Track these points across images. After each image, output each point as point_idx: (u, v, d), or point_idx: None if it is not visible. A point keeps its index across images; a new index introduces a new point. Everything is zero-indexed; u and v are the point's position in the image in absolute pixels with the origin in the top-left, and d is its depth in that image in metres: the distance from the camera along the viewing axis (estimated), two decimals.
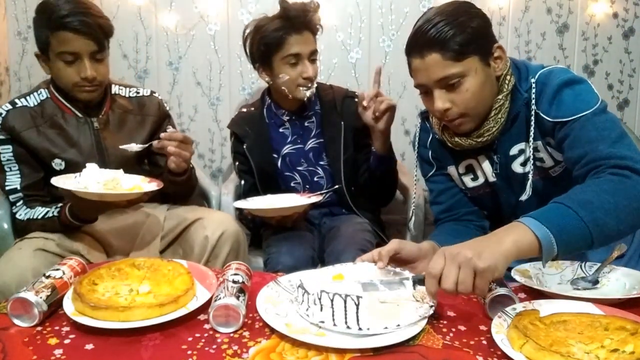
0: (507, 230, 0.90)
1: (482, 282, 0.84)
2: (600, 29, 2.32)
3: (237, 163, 1.79)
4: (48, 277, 0.96)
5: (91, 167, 1.27)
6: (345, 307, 0.83)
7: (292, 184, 1.76)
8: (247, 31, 1.68)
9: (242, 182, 1.78)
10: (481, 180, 1.29)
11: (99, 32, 1.40)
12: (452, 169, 1.32)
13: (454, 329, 0.89)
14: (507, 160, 1.22)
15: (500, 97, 1.15)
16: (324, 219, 1.79)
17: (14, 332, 0.87)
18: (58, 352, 0.81)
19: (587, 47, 2.33)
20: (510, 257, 0.87)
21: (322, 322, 0.85)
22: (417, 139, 1.38)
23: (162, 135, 1.39)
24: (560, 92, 1.10)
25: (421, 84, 1.14)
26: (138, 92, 1.61)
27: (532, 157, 1.17)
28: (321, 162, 1.75)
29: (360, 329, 0.83)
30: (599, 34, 2.33)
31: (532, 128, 1.14)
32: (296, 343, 0.83)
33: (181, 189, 1.57)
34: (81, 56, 1.39)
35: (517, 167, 1.22)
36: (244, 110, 1.82)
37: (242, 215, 1.78)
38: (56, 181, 1.27)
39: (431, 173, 1.37)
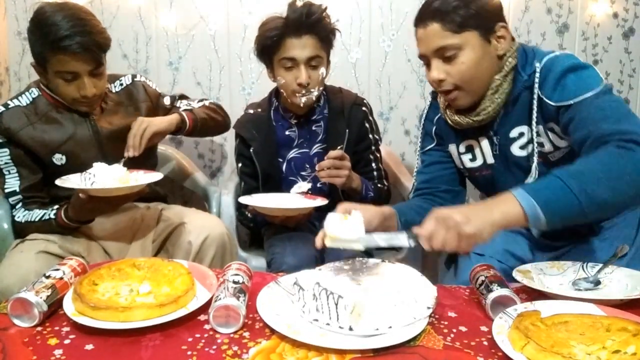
0: (497, 201, 0.94)
1: (466, 246, 0.90)
2: (600, 29, 2.32)
3: (240, 165, 1.76)
4: (48, 277, 0.96)
5: (99, 166, 1.27)
6: (327, 303, 0.84)
7: None
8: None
9: (243, 184, 1.76)
10: (479, 161, 1.31)
11: (98, 51, 1.38)
12: (452, 147, 1.35)
13: (454, 330, 0.88)
14: (507, 142, 1.24)
15: (497, 77, 1.17)
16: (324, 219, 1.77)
17: (14, 332, 0.87)
18: (58, 352, 0.81)
19: (587, 47, 2.33)
20: (497, 227, 0.91)
21: (316, 320, 0.85)
22: (425, 112, 1.41)
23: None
24: (564, 77, 1.12)
25: (422, 55, 1.19)
26: (122, 84, 1.61)
27: (535, 141, 1.17)
28: None
29: (341, 327, 0.83)
30: (599, 34, 2.32)
31: (534, 112, 1.15)
32: (296, 344, 0.83)
33: (201, 131, 1.70)
34: (80, 75, 1.38)
35: (516, 149, 1.23)
36: (251, 111, 1.78)
37: (243, 216, 1.77)
38: (72, 183, 1.27)
39: (429, 147, 1.40)
